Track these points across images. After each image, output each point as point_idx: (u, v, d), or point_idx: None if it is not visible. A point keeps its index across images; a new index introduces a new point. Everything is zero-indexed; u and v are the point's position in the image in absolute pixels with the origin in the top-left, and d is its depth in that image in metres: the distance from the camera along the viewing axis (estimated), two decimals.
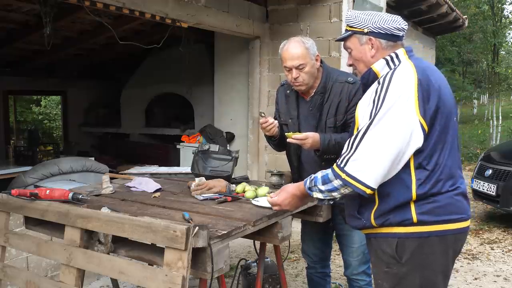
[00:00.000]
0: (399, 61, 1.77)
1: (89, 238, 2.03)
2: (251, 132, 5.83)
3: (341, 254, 2.85)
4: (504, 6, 18.65)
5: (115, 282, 2.87)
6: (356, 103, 2.52)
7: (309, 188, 1.80)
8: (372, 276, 2.80)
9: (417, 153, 1.68)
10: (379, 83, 1.71)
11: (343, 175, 1.67)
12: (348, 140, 1.72)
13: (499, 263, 4.46)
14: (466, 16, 10.14)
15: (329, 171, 1.75)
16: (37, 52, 7.56)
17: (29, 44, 7.00)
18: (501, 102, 16.53)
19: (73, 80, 9.43)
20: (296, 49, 2.50)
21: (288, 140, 2.45)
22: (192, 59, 6.45)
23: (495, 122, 13.86)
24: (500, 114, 14.48)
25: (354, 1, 5.18)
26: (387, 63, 1.78)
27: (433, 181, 1.69)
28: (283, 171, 2.78)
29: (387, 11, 6.17)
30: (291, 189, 1.95)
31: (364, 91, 1.87)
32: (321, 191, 1.76)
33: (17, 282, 2.31)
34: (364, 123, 1.70)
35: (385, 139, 1.63)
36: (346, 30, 1.89)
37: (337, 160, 1.72)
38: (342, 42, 1.95)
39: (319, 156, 2.52)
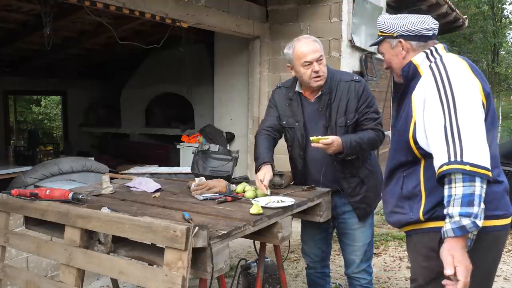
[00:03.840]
0: (439, 55, 1.78)
1: (89, 238, 2.03)
2: (251, 132, 5.82)
3: (341, 253, 2.85)
4: (504, 6, 18.64)
5: (115, 282, 2.87)
6: (365, 102, 2.56)
7: (476, 224, 1.50)
8: (372, 275, 2.82)
9: None
10: (432, 71, 1.69)
11: (468, 168, 1.48)
12: (443, 135, 1.56)
13: (499, 263, 4.45)
14: (466, 16, 10.13)
15: (457, 190, 1.49)
16: (37, 52, 7.57)
17: (29, 44, 7.01)
18: (501, 102, 16.56)
19: (73, 80, 9.43)
20: (313, 43, 2.56)
21: (313, 144, 2.44)
22: (192, 59, 6.45)
23: None
24: (500, 114, 14.50)
25: (354, 1, 5.18)
26: (427, 56, 1.80)
27: None
28: (283, 171, 2.77)
29: (387, 11, 6.17)
30: (457, 249, 1.54)
31: (405, 85, 1.87)
32: (476, 216, 1.49)
33: (17, 282, 2.31)
34: (434, 114, 1.62)
35: (477, 119, 1.57)
36: (378, 36, 1.95)
37: (445, 160, 1.52)
38: (376, 46, 2.01)
39: (341, 159, 2.52)
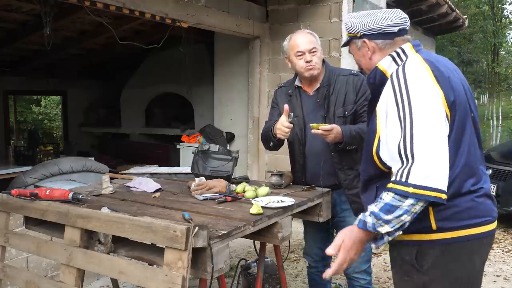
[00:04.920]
0: (406, 56, 1.68)
1: (89, 238, 2.03)
2: (251, 132, 5.83)
3: None
4: (504, 6, 18.65)
5: (115, 282, 2.87)
6: (364, 94, 2.57)
7: (374, 226, 1.51)
8: (373, 278, 2.82)
9: None
10: (392, 82, 1.60)
11: (412, 190, 1.45)
12: (397, 154, 1.52)
13: (499, 263, 4.45)
14: (466, 16, 10.13)
15: (387, 198, 1.50)
16: (37, 52, 7.57)
17: (29, 44, 7.01)
18: (501, 102, 16.57)
19: (73, 80, 9.43)
20: (308, 35, 2.64)
21: (313, 131, 2.46)
22: (192, 59, 6.45)
23: (495, 122, 13.88)
24: (500, 114, 14.50)
25: (354, 1, 5.18)
26: (394, 60, 1.71)
27: (452, 178, 1.53)
28: (283, 171, 2.78)
29: None
30: (350, 236, 1.59)
31: (372, 92, 1.80)
32: (387, 222, 1.49)
33: (17, 282, 2.31)
34: (393, 129, 1.56)
35: (435, 135, 1.49)
36: (347, 37, 1.89)
37: (393, 179, 1.51)
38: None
39: (341, 148, 2.54)
